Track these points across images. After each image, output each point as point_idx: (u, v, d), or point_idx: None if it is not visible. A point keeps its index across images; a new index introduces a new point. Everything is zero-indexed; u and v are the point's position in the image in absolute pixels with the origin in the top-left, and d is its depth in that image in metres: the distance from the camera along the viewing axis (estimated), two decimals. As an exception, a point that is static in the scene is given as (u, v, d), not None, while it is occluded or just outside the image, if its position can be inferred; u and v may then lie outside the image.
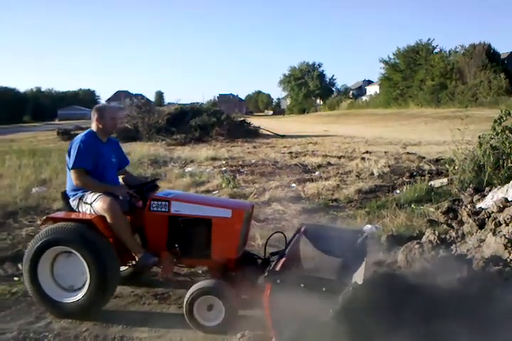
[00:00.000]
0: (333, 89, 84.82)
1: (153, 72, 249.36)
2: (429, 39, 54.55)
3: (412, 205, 6.36)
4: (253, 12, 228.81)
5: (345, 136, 21.58)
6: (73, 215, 3.64)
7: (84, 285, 3.41)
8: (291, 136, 22.07)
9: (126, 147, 16.07)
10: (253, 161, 12.17)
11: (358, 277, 2.93)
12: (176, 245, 3.59)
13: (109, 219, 3.48)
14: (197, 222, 3.51)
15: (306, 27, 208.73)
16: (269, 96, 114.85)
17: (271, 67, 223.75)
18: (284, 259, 3.13)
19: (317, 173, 9.92)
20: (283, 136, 21.99)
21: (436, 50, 53.40)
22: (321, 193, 7.46)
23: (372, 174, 9.49)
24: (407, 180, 8.45)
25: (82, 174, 3.61)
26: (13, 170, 10.09)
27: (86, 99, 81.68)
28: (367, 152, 13.66)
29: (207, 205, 3.54)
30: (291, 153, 14.19)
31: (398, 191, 7.55)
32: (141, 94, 48.53)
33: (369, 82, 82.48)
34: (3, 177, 9.45)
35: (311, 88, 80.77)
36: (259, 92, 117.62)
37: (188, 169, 10.88)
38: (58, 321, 3.39)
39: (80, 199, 3.64)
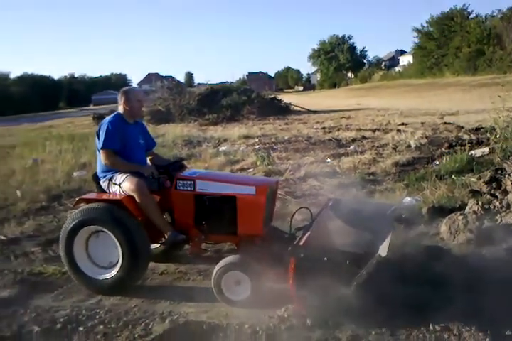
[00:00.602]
0: (365, 61, 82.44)
1: (183, 53, 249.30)
2: (464, 5, 52.14)
3: (453, 176, 6.19)
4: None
5: (379, 108, 21.09)
6: (104, 196, 3.79)
7: (117, 262, 3.54)
8: (323, 111, 21.75)
9: (160, 129, 16.35)
10: (286, 138, 12.08)
11: (383, 250, 2.91)
12: (203, 222, 3.69)
13: (137, 199, 3.60)
14: (222, 200, 3.58)
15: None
16: (298, 72, 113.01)
17: (300, 43, 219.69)
18: (308, 234, 3.14)
19: (352, 147, 9.77)
20: (315, 112, 21.70)
21: (471, 16, 51.03)
22: (357, 167, 7.35)
23: (409, 146, 9.26)
24: (446, 150, 8.22)
25: (111, 154, 3.72)
26: (54, 156, 10.41)
27: (118, 83, 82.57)
28: (402, 124, 13.33)
29: (231, 183, 3.61)
30: (324, 128, 14.00)
31: (437, 162, 7.35)
32: (171, 76, 48.79)
33: (402, 52, 79.77)
34: (46, 162, 9.77)
35: (341, 61, 78.85)
36: (288, 69, 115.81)
37: (222, 148, 10.93)
38: (108, 298, 3.53)
39: (110, 180, 3.77)
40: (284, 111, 21.69)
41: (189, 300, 3.42)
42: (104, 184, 3.83)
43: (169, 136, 13.29)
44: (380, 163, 7.84)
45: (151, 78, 61.31)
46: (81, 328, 3.07)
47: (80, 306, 3.40)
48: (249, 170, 7.97)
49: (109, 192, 3.79)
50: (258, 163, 8.06)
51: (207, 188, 3.60)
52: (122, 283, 3.54)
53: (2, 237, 5.10)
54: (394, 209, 3.71)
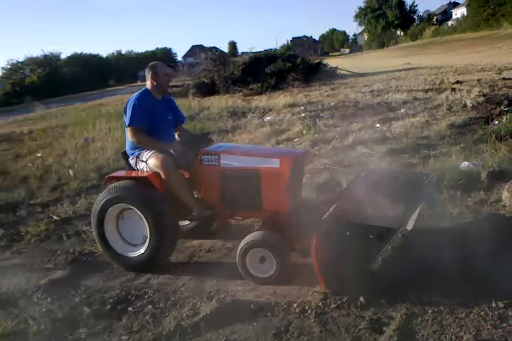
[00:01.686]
0: (415, 17, 78.03)
1: (224, 22, 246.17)
2: None
3: (514, 136, 5.72)
4: None
5: (431, 66, 19.92)
6: (130, 173, 3.79)
7: (146, 239, 3.55)
8: (371, 74, 20.80)
9: (205, 102, 16.29)
10: (332, 104, 11.65)
11: (410, 223, 2.70)
12: (229, 197, 3.59)
13: (163, 176, 3.56)
14: (246, 174, 3.46)
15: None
16: (344, 33, 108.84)
17: (344, 2, 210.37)
18: (333, 208, 2.98)
19: (403, 110, 9.27)
20: (362, 74, 20.84)
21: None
22: (409, 131, 6.94)
23: (465, 106, 8.68)
24: (506, 108, 7.62)
25: (138, 132, 3.69)
26: (104, 134, 10.60)
27: (164, 57, 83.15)
28: (457, 82, 12.50)
29: (255, 156, 3.49)
30: (372, 91, 13.37)
31: (497, 122, 6.83)
32: (215, 47, 48.16)
33: (455, 5, 74.73)
34: (96, 140, 9.97)
35: (389, 19, 74.95)
36: (333, 31, 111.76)
37: (267, 118, 10.71)
38: (156, 277, 3.54)
39: (137, 157, 3.77)
40: (330, 75, 20.97)
41: (236, 277, 3.36)
42: (132, 161, 3.84)
43: (214, 109, 13.21)
44: (434, 125, 7.39)
45: (195, 51, 61.00)
46: (130, 309, 3.10)
47: (128, 286, 3.44)
48: (295, 140, 7.76)
49: (137, 170, 3.79)
50: (304, 132, 7.82)
51: (231, 162, 3.52)
52: (151, 260, 3.56)
53: (55, 217, 5.25)
54: (431, 179, 3.47)
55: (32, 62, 62.28)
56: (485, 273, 2.87)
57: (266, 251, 3.17)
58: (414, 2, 79.35)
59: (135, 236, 3.68)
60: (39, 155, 9.37)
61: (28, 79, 58.06)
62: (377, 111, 9.59)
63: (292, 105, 12.31)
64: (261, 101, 14.71)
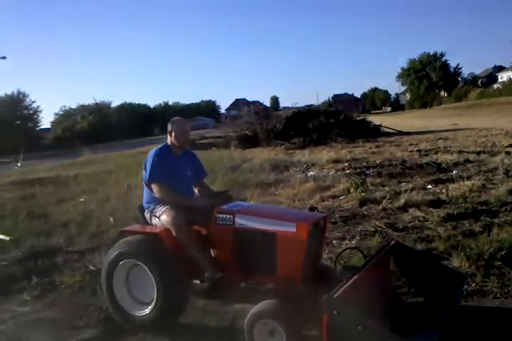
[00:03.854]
0: (459, 78, 78.32)
1: (267, 78, 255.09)
2: None
3: None
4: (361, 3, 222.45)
5: (480, 128, 19.53)
6: (142, 228, 3.70)
7: (153, 298, 3.37)
8: (416, 133, 20.58)
9: (247, 153, 16.38)
10: (378, 162, 11.37)
11: None
12: (242, 259, 3.38)
13: (174, 233, 3.44)
14: (262, 236, 3.25)
15: (422, 14, 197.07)
16: (386, 92, 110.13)
17: (387, 63, 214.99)
18: (348, 284, 2.69)
19: (455, 172, 8.88)
20: (408, 133, 20.59)
21: None
22: (467, 195, 6.51)
23: (523, 170, 8.24)
24: None
25: (163, 186, 3.62)
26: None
27: (208, 109, 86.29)
28: (511, 145, 12.06)
29: (271, 218, 3.28)
30: (419, 150, 13.06)
31: None
32: (258, 101, 49.59)
33: (500, 68, 74.74)
34: (138, 187, 9.93)
35: (433, 80, 75.54)
36: (375, 89, 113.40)
37: (311, 173, 10.52)
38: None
39: (151, 212, 3.69)
40: (373, 133, 20.85)
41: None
42: (147, 215, 3.75)
43: (256, 161, 13.17)
44: (492, 190, 6.96)
45: (238, 103, 62.98)
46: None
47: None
48: (341, 198, 7.45)
49: (152, 224, 3.68)
50: (352, 189, 7.52)
51: (246, 223, 3.31)
52: (156, 321, 3.36)
53: (92, 267, 5.05)
54: (464, 281, 3.25)
55: (83, 109, 65.84)
56: None
57: (275, 323, 2.88)
58: (458, 65, 79.65)
59: (144, 294, 3.51)
60: (82, 200, 9.41)
61: (78, 125, 61.01)
62: (427, 172, 9.26)
63: (336, 161, 12.11)
64: (303, 155, 14.62)
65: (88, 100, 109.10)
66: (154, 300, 3.37)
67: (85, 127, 59.89)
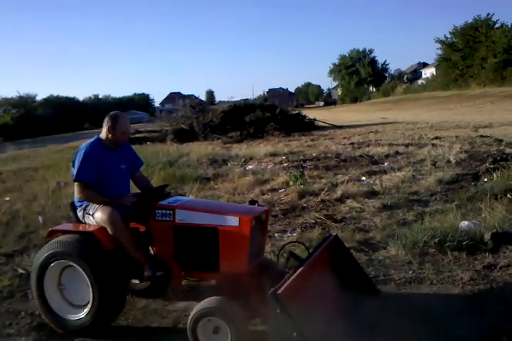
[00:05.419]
0: (386, 74, 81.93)
1: (202, 71, 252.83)
2: (488, 14, 51.43)
3: (509, 195, 5.61)
4: (293, 2, 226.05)
5: (407, 122, 20.45)
6: (75, 227, 3.50)
7: (88, 301, 3.21)
8: (348, 126, 21.19)
9: (184, 148, 16.09)
10: (314, 155, 11.59)
11: None
12: (183, 256, 3.28)
13: (109, 231, 3.28)
14: (203, 232, 3.17)
15: (352, 13, 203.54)
16: (319, 87, 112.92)
17: (319, 58, 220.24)
18: (291, 280, 2.70)
19: (386, 164, 9.23)
20: (340, 127, 21.18)
21: (497, 25, 50.07)
22: (400, 186, 6.77)
23: (448, 161, 8.70)
24: (491, 166, 7.63)
25: (84, 187, 3.42)
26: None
27: (141, 103, 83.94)
28: (436, 138, 12.72)
29: (212, 213, 3.20)
30: (352, 143, 13.46)
31: (486, 179, 6.77)
32: (193, 95, 49.05)
33: (424, 65, 78.94)
34: (69, 184, 9.46)
35: (362, 75, 78.47)
36: (309, 84, 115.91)
37: (249, 167, 10.51)
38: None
39: (84, 209, 3.48)
40: (308, 127, 21.24)
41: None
42: (79, 213, 3.52)
43: (193, 155, 12.97)
44: (421, 180, 7.29)
45: (173, 97, 61.79)
46: None
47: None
48: (280, 191, 7.50)
49: (85, 223, 3.47)
50: (291, 182, 7.58)
51: (187, 218, 3.21)
52: (93, 324, 3.19)
53: (21, 271, 4.72)
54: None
55: (6, 103, 61.86)
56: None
57: (220, 320, 2.81)
58: (385, 61, 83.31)
59: (78, 296, 3.32)
60: (7, 199, 8.80)
61: (0, 119, 57.24)
62: (361, 164, 9.54)
63: (274, 154, 12.20)
64: (241, 149, 14.59)
65: (11, 93, 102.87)
66: (90, 303, 3.19)
67: (8, 121, 56.30)
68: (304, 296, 2.85)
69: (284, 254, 3.59)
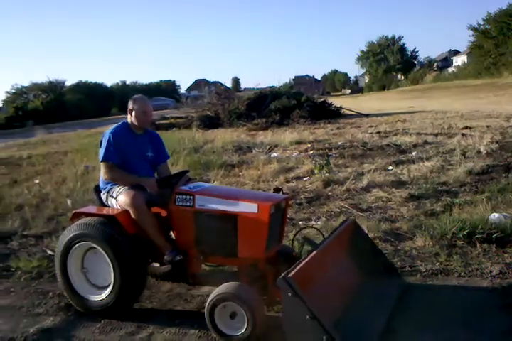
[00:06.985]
0: (416, 62, 79.92)
1: (228, 59, 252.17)
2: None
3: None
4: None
5: (436, 111, 19.97)
6: (98, 210, 3.53)
7: (110, 283, 3.27)
8: (375, 115, 20.84)
9: (209, 134, 16.14)
10: (340, 143, 11.47)
11: None
12: (202, 241, 3.30)
13: (132, 214, 3.32)
14: (222, 218, 3.18)
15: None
16: (346, 75, 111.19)
17: (346, 45, 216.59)
18: (304, 263, 2.70)
19: (414, 153, 9.06)
20: (367, 115, 20.85)
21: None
22: (428, 176, 6.63)
23: (479, 152, 8.48)
24: (525, 158, 7.41)
25: (111, 167, 3.48)
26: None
27: (168, 89, 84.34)
28: (466, 127, 12.39)
29: (231, 199, 3.18)
30: (379, 132, 13.24)
31: (518, 171, 6.58)
32: (218, 82, 48.99)
33: (455, 52, 76.78)
34: (97, 169, 9.61)
35: (391, 63, 76.73)
36: (335, 72, 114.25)
37: (274, 154, 10.47)
38: (160, 331, 3.11)
39: (108, 192, 3.53)
40: (334, 114, 21.01)
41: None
42: (103, 196, 3.59)
43: (219, 142, 12.99)
44: (451, 170, 7.14)
45: (199, 84, 61.95)
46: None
47: (129, 341, 3.01)
48: (305, 179, 7.46)
49: (108, 206, 3.53)
50: (316, 171, 7.52)
51: (206, 204, 3.22)
52: (114, 305, 3.25)
53: (50, 252, 4.83)
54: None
55: (36, 88, 62.99)
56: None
57: (237, 305, 2.83)
58: (415, 48, 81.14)
59: (101, 277, 3.40)
60: (37, 181, 9.02)
61: (31, 104, 58.40)
62: (388, 153, 9.40)
63: (299, 142, 12.10)
64: (266, 136, 14.53)
65: (41, 78, 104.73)
66: (111, 284, 3.26)
67: (39, 106, 57.38)
68: (319, 280, 2.83)
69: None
